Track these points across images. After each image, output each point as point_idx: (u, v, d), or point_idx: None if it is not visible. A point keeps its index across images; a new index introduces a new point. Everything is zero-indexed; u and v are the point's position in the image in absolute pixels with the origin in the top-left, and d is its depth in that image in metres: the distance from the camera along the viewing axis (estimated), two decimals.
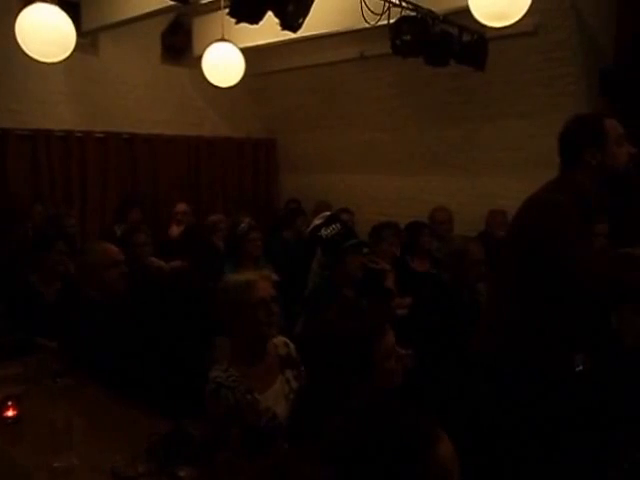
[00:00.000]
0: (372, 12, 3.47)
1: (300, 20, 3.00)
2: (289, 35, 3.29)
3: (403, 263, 4.53)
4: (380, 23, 3.64)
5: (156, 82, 6.40)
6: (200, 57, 4.62)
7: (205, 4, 5.02)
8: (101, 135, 6.01)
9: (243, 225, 4.40)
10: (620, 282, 2.06)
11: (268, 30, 3.34)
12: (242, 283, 2.30)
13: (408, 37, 3.63)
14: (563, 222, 2.10)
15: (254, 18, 2.88)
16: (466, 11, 3.63)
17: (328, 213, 3.71)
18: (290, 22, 2.97)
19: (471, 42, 4.20)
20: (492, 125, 5.42)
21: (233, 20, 2.98)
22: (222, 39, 4.48)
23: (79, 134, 5.84)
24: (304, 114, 6.91)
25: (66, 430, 1.96)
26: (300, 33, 3.27)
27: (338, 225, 3.48)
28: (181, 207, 5.67)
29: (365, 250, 3.72)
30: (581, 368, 3.17)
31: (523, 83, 5.02)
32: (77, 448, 1.97)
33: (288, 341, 2.48)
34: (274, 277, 4.26)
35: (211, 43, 4.51)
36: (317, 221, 3.67)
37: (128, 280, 3.16)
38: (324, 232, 3.51)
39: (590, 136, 2.19)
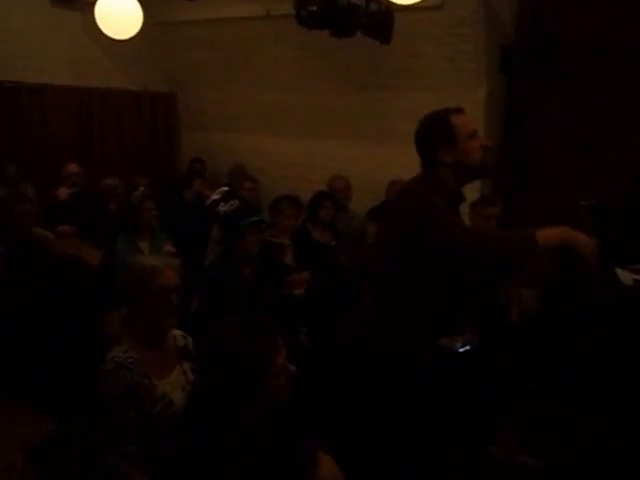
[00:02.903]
0: None
1: None
2: None
3: (305, 232, 4.52)
4: None
5: (44, 27, 5.87)
6: (94, 1, 4.27)
7: None
8: None
9: (136, 194, 4.21)
10: (493, 252, 2.09)
11: None
12: (148, 268, 2.25)
13: (314, 8, 3.52)
14: (429, 207, 2.12)
15: None
16: None
17: (226, 188, 3.62)
18: None
19: (378, 12, 4.12)
20: (396, 95, 5.40)
21: None
22: None
23: None
24: (206, 69, 6.62)
25: None
26: None
27: (236, 202, 3.42)
28: (72, 168, 5.26)
29: (263, 226, 3.68)
30: (468, 348, 3.31)
31: (427, 56, 5.01)
32: None
33: (186, 334, 2.44)
34: (170, 249, 4.17)
35: None
36: (215, 196, 3.58)
37: (9, 256, 2.95)
38: (222, 208, 3.44)
39: (440, 136, 2.22)
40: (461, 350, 3.22)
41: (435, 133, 2.24)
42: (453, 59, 4.92)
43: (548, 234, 2.05)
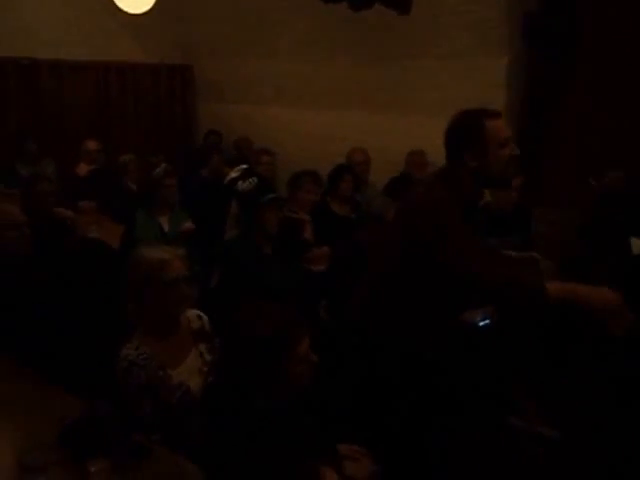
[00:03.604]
0: None
1: None
2: None
3: (323, 206, 4.50)
4: None
5: (60, 2, 5.85)
6: None
7: None
8: None
9: (158, 170, 4.22)
10: (497, 281, 2.06)
11: None
12: (155, 261, 2.21)
13: None
14: (444, 224, 2.08)
15: None
16: None
17: (245, 166, 3.61)
18: None
19: None
20: (415, 65, 5.30)
21: None
22: None
23: None
24: (223, 41, 6.55)
25: None
26: None
27: (255, 179, 3.41)
28: (91, 145, 5.30)
29: (281, 203, 3.68)
30: (487, 322, 3.30)
31: (447, 25, 4.91)
32: None
33: (201, 314, 2.43)
34: (190, 226, 4.18)
35: None
36: (234, 174, 3.58)
37: (33, 237, 2.97)
38: (241, 186, 3.43)
39: (471, 140, 2.14)
40: (481, 324, 3.23)
41: (466, 134, 2.16)
42: (473, 27, 4.82)
43: (559, 291, 2.00)
